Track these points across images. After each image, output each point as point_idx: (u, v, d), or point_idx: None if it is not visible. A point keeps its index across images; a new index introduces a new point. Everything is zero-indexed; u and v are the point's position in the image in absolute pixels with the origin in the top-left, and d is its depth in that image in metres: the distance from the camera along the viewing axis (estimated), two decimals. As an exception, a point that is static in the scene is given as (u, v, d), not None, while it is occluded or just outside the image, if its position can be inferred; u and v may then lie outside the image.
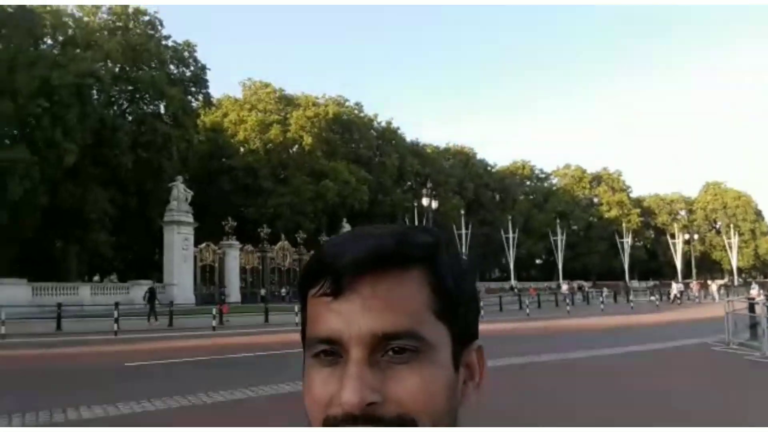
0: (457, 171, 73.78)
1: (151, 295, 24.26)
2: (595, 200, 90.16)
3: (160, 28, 46.98)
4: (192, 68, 48.98)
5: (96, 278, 47.27)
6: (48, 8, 39.72)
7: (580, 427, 6.45)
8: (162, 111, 44.65)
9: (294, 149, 57.91)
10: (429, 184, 35.24)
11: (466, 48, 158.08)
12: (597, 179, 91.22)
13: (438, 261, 0.58)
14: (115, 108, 43.78)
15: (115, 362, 12.34)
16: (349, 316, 0.54)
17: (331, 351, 0.55)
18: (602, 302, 35.07)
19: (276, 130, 56.08)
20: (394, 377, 0.53)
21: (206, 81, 49.82)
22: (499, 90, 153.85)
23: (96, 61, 39.15)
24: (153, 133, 41.36)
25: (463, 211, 61.65)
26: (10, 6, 36.17)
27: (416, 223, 53.55)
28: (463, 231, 58.69)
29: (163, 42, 46.76)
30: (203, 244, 37.53)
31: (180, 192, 36.70)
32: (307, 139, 56.26)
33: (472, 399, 0.60)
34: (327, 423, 0.53)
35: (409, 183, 66.89)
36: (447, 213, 59.62)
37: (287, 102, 59.83)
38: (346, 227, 44.00)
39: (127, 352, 14.08)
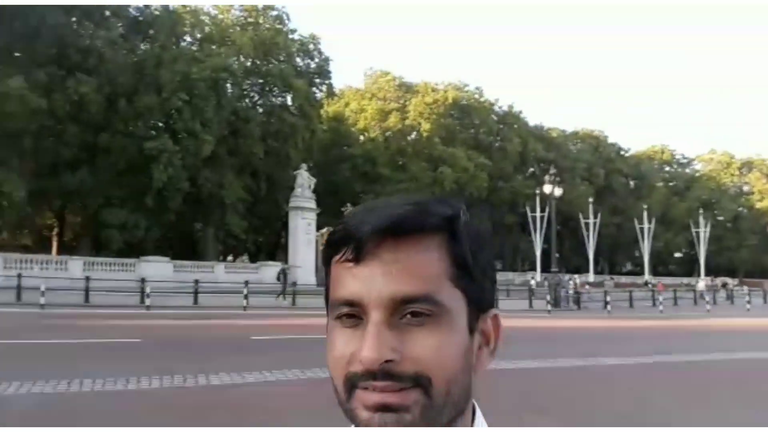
0: (586, 156, 69.61)
1: (284, 275, 25.61)
2: (746, 188, 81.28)
3: (287, 22, 49.05)
4: (316, 60, 50.67)
5: (229, 258, 50.81)
6: (187, 8, 43.02)
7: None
8: (289, 102, 46.63)
9: (412, 136, 58.09)
10: (552, 170, 33.48)
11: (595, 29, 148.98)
12: (747, 165, 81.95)
13: (456, 231, 0.60)
14: (247, 100, 46.38)
15: (242, 335, 13.03)
16: (370, 281, 0.57)
17: (353, 313, 0.58)
18: (748, 302, 30.52)
19: (395, 117, 56.55)
20: (411, 338, 0.56)
21: (329, 72, 51.31)
22: (629, 72, 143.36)
23: (230, 56, 41.68)
24: (281, 123, 43.34)
25: (591, 199, 58.24)
26: (156, 8, 39.74)
27: (537, 211, 52.16)
28: (591, 220, 55.56)
29: (290, 36, 48.72)
30: (324, 229, 38.85)
31: (304, 179, 38.23)
32: (426, 126, 56.14)
33: (486, 363, 0.63)
34: (348, 379, 0.57)
35: (531, 169, 64.37)
36: (573, 201, 56.76)
37: (406, 89, 60.05)
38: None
39: (254, 327, 14.79)
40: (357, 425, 0.58)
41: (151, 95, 34.37)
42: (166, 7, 40.24)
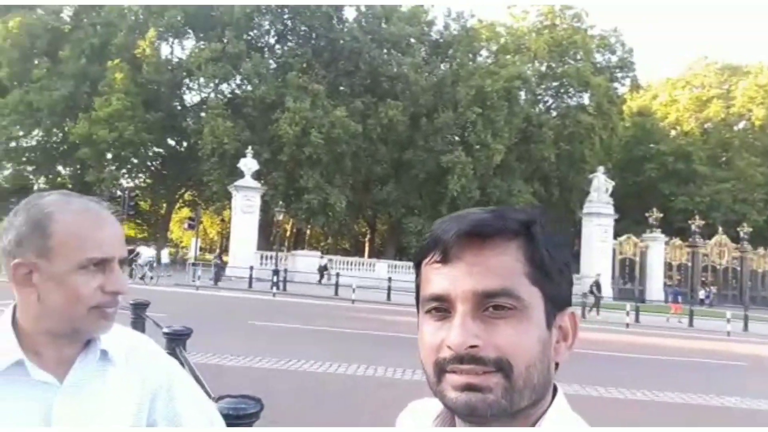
0: None
1: (597, 286, 23.75)
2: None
3: (585, 18, 47.15)
4: (618, 53, 47.56)
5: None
6: (483, 23, 44.92)
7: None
8: (586, 102, 44.74)
9: (739, 126, 49.43)
10: None
11: None
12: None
13: (533, 234, 0.67)
14: (540, 105, 46.09)
15: None
16: (455, 279, 0.66)
17: (441, 308, 0.67)
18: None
19: (716, 106, 48.92)
20: (493, 328, 0.65)
21: (632, 64, 47.63)
22: None
23: (524, 63, 42.05)
24: (576, 125, 41.83)
25: None
26: (455, 29, 42.61)
27: None
28: None
29: (589, 32, 46.71)
30: (623, 237, 35.98)
31: (600, 183, 36.10)
32: (759, 113, 47.11)
33: (564, 357, 0.71)
34: (437, 364, 0.66)
35: None
36: None
37: (731, 72, 51.39)
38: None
39: None
40: (446, 404, 0.67)
41: (449, 112, 36.96)
42: (464, 26, 42.85)
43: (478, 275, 0.65)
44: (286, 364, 8.61)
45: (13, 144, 35.75)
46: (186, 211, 49.40)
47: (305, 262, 28.91)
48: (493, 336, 0.64)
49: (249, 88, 37.38)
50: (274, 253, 27.93)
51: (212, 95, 38.66)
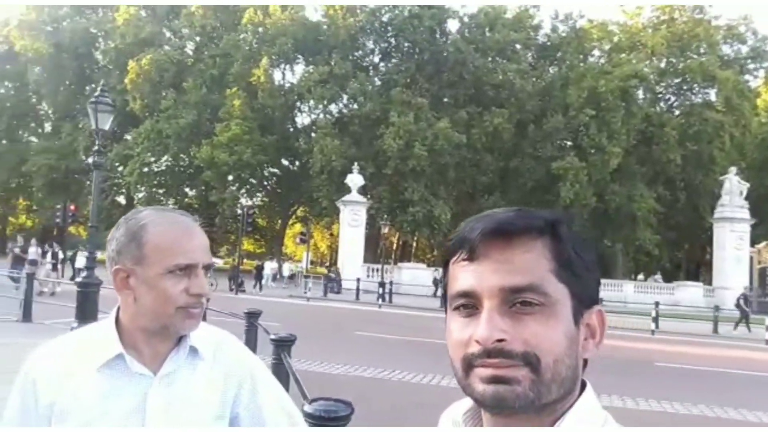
0: None
1: (744, 300, 21.24)
2: None
3: (708, 9, 43.48)
4: (749, 43, 43.31)
5: (640, 277, 47.41)
6: (594, 23, 42.78)
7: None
8: (713, 98, 41.08)
9: None
10: None
11: None
12: None
13: (559, 233, 0.68)
14: (661, 104, 42.97)
15: (645, 360, 12.35)
16: (482, 275, 0.66)
17: (468, 304, 0.67)
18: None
19: None
20: (520, 323, 0.64)
21: (766, 53, 43.06)
22: None
23: (640, 61, 39.50)
24: (702, 123, 38.36)
25: None
26: (563, 31, 40.96)
27: None
28: None
29: (713, 23, 42.99)
30: (762, 244, 32.20)
31: (733, 185, 32.76)
32: None
33: (592, 353, 0.70)
34: (465, 359, 0.66)
35: None
36: None
37: None
38: None
39: (660, 352, 13.80)
40: (474, 398, 0.66)
41: (558, 116, 35.50)
42: (572, 27, 41.16)
43: (505, 272, 0.65)
44: (387, 374, 8.66)
45: (146, 169, 39.24)
46: (298, 227, 51.53)
47: (411, 274, 28.92)
48: (520, 331, 0.64)
49: (355, 106, 38.40)
50: (380, 266, 28.18)
51: (321, 116, 40.07)
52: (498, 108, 35.33)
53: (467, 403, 0.74)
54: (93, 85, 35.96)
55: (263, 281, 27.86)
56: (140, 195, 39.20)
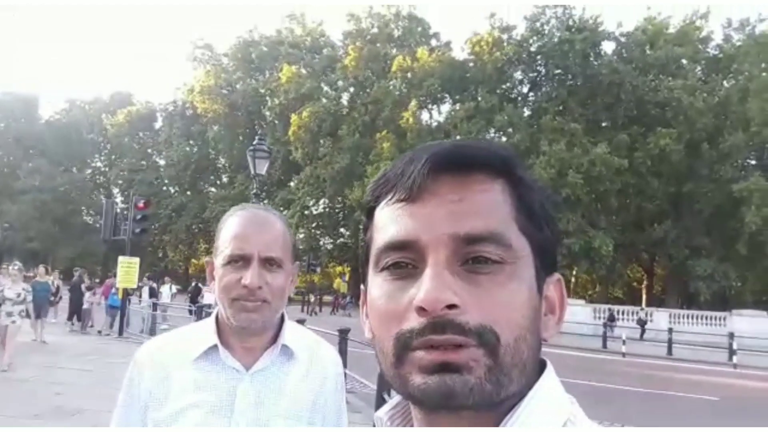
0: None
1: None
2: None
3: None
4: None
5: None
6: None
7: None
8: None
9: None
10: None
11: None
12: None
13: (520, 175, 0.53)
14: None
15: None
16: (428, 219, 0.49)
17: (403, 262, 0.50)
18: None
19: None
20: (476, 286, 0.48)
21: None
22: None
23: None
24: None
25: None
26: (738, 40, 36.43)
27: None
28: None
29: None
30: None
31: None
32: None
33: (553, 332, 0.55)
34: (399, 339, 0.48)
35: None
36: None
37: None
38: None
39: None
40: (409, 394, 0.48)
41: (737, 133, 31.36)
42: (750, 34, 36.56)
43: (459, 214, 0.49)
44: None
45: (306, 212, 41.88)
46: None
47: (568, 311, 26.58)
48: (477, 295, 0.47)
49: (503, 138, 37.62)
50: (530, 302, 26.46)
51: (468, 151, 39.97)
52: (664, 128, 32.16)
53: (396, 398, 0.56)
54: (265, 139, 39.84)
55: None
56: (300, 236, 41.67)
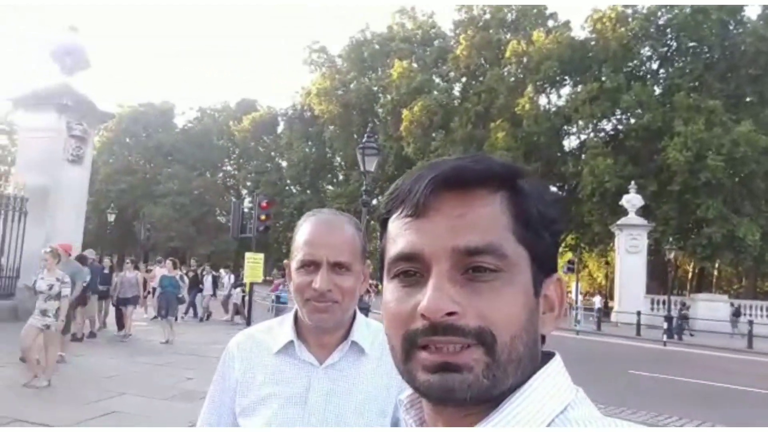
0: None
1: None
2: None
3: None
4: None
5: None
6: None
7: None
8: None
9: None
10: None
11: None
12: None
13: (520, 187, 0.57)
14: None
15: None
16: (432, 233, 0.54)
17: (411, 271, 0.56)
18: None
19: None
20: (474, 293, 0.53)
21: None
22: None
23: None
24: None
25: None
26: None
27: None
28: None
29: None
30: None
31: None
32: None
33: (551, 329, 0.60)
34: (406, 338, 0.54)
35: None
36: None
37: None
38: None
39: None
40: (415, 388, 0.55)
41: None
42: None
43: (459, 229, 0.53)
44: (661, 420, 7.66)
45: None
46: (569, 255, 48.59)
47: (708, 307, 24.24)
48: (475, 302, 0.53)
49: (631, 120, 34.87)
50: (665, 297, 24.20)
51: (591, 135, 37.66)
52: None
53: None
54: (375, 136, 40.18)
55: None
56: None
